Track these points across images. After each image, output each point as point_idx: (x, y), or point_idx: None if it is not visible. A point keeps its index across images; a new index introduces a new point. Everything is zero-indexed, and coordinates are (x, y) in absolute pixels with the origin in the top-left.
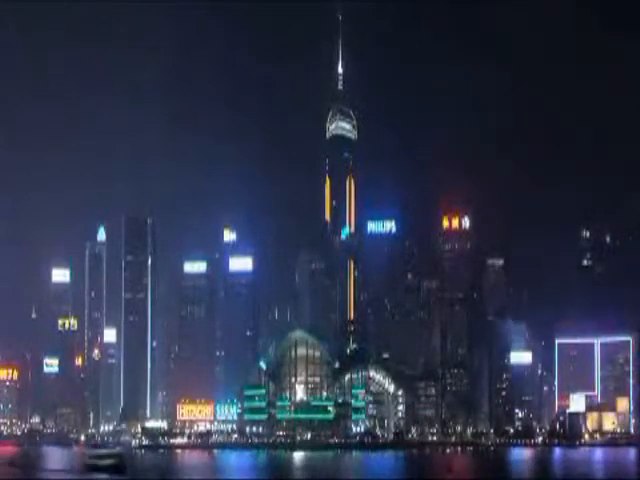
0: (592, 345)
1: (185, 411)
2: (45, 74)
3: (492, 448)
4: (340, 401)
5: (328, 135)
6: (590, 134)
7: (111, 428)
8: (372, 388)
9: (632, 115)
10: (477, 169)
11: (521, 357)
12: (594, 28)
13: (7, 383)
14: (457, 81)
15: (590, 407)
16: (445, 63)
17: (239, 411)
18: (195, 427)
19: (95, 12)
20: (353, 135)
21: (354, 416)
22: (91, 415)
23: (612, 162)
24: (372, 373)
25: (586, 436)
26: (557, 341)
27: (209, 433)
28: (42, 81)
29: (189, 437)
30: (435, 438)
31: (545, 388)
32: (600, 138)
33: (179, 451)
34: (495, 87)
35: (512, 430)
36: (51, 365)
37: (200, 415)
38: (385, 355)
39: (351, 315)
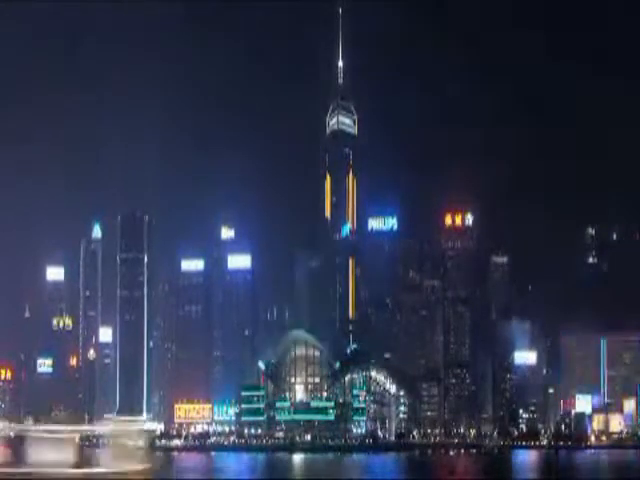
0: (598, 345)
1: (182, 412)
2: (45, 73)
3: (496, 450)
4: (340, 402)
5: (328, 130)
6: (593, 130)
7: None
8: (373, 389)
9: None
10: (480, 165)
11: (525, 357)
12: None
13: (0, 383)
14: (458, 76)
15: (596, 408)
16: (446, 57)
17: (237, 412)
18: (192, 428)
19: (96, 13)
20: (353, 130)
21: (355, 417)
22: (86, 416)
23: (615, 160)
24: (373, 373)
25: (592, 438)
26: (562, 341)
27: (207, 434)
28: (42, 79)
29: (186, 439)
30: (437, 440)
31: (550, 389)
32: (603, 136)
33: (176, 453)
34: (496, 85)
35: (516, 431)
36: (45, 365)
37: (197, 416)
38: (386, 355)
39: (351, 314)
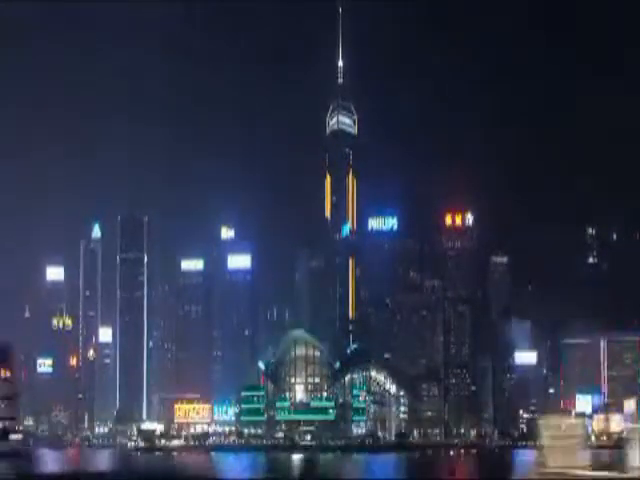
0: (598, 345)
1: (182, 412)
2: (45, 73)
3: (496, 450)
4: (341, 402)
5: (328, 130)
6: (593, 130)
7: (106, 430)
8: (373, 389)
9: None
10: (480, 165)
11: (526, 357)
12: None
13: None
14: (458, 76)
15: (596, 408)
16: (446, 57)
17: (237, 412)
18: (192, 429)
19: (93, 14)
20: (354, 130)
21: (355, 417)
22: (86, 417)
23: (615, 161)
24: (373, 373)
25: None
26: (562, 341)
27: (206, 435)
28: (41, 79)
29: (186, 439)
30: (437, 440)
31: (550, 389)
32: (603, 136)
33: (176, 453)
34: (496, 85)
35: (516, 432)
36: (45, 365)
37: (197, 416)
38: (386, 355)
39: (351, 314)
